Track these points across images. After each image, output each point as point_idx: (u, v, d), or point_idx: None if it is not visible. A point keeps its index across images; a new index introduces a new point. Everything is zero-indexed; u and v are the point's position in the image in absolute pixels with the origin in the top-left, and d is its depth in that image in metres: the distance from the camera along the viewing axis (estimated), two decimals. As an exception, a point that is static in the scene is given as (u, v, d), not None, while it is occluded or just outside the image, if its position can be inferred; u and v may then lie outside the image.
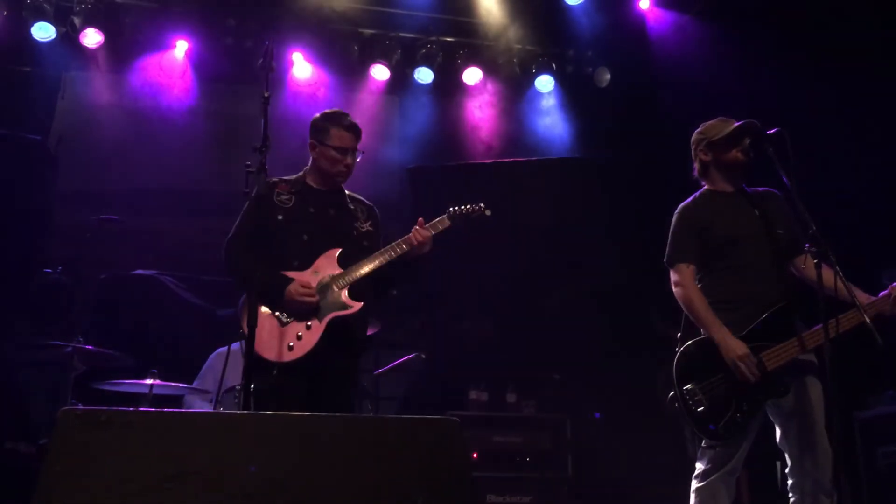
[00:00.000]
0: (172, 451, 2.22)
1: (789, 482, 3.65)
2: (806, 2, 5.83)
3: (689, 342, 3.74)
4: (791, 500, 3.63)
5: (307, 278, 3.78)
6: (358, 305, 3.79)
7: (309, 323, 3.72)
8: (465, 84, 7.92)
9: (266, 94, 3.31)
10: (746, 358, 3.55)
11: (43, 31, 6.98)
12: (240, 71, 7.30)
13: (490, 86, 8.00)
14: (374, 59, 7.66)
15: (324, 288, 3.78)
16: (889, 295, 3.63)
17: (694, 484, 3.74)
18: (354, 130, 4.00)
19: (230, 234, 3.90)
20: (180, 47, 7.35)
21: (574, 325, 6.99)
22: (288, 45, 7.50)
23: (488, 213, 4.05)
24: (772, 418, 3.74)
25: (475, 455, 5.74)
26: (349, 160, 3.97)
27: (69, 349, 5.20)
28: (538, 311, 7.17)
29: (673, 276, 3.87)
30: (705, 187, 4.01)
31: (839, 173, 5.48)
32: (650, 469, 5.96)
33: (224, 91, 7.72)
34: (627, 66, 7.78)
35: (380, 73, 7.72)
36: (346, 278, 3.80)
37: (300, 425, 2.44)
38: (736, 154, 3.85)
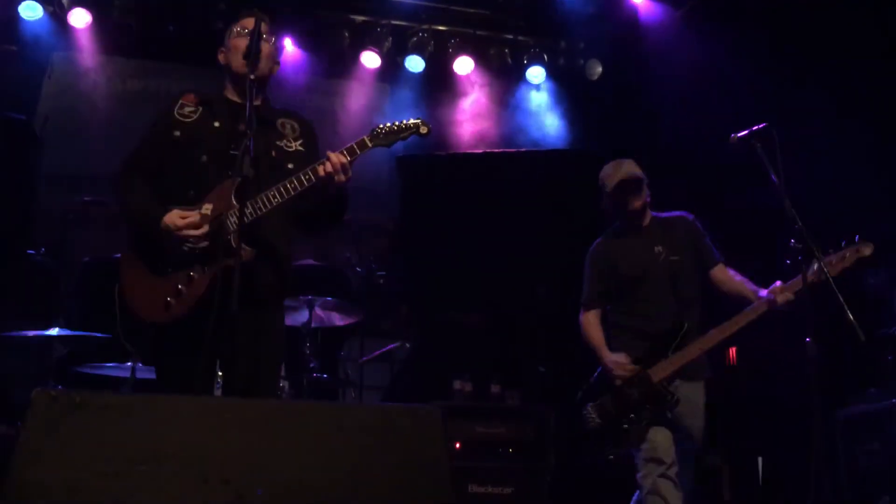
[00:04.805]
0: (147, 434, 2.19)
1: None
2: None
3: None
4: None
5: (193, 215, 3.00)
6: (250, 253, 2.99)
7: (192, 272, 2.98)
8: (456, 74, 7.89)
9: (252, 77, 3.15)
10: (615, 362, 3.96)
11: (30, 11, 6.92)
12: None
13: (481, 76, 7.97)
14: (364, 46, 7.61)
15: (216, 229, 2.98)
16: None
17: (644, 492, 3.97)
18: (256, 13, 3.18)
19: (122, 158, 3.21)
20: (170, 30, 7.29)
21: (560, 318, 6.96)
22: (278, 31, 7.44)
23: (424, 130, 3.22)
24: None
25: (458, 445, 5.72)
26: (251, 42, 3.06)
27: (51, 332, 5.16)
28: (524, 302, 7.16)
29: (580, 317, 4.27)
30: (616, 223, 4.30)
31: (820, 170, 5.49)
32: (632, 463, 5.94)
33: (213, 75, 7.63)
34: (619, 58, 7.76)
35: (370, 60, 7.68)
36: (242, 217, 2.86)
37: (279, 410, 2.44)
38: (626, 204, 4.13)
